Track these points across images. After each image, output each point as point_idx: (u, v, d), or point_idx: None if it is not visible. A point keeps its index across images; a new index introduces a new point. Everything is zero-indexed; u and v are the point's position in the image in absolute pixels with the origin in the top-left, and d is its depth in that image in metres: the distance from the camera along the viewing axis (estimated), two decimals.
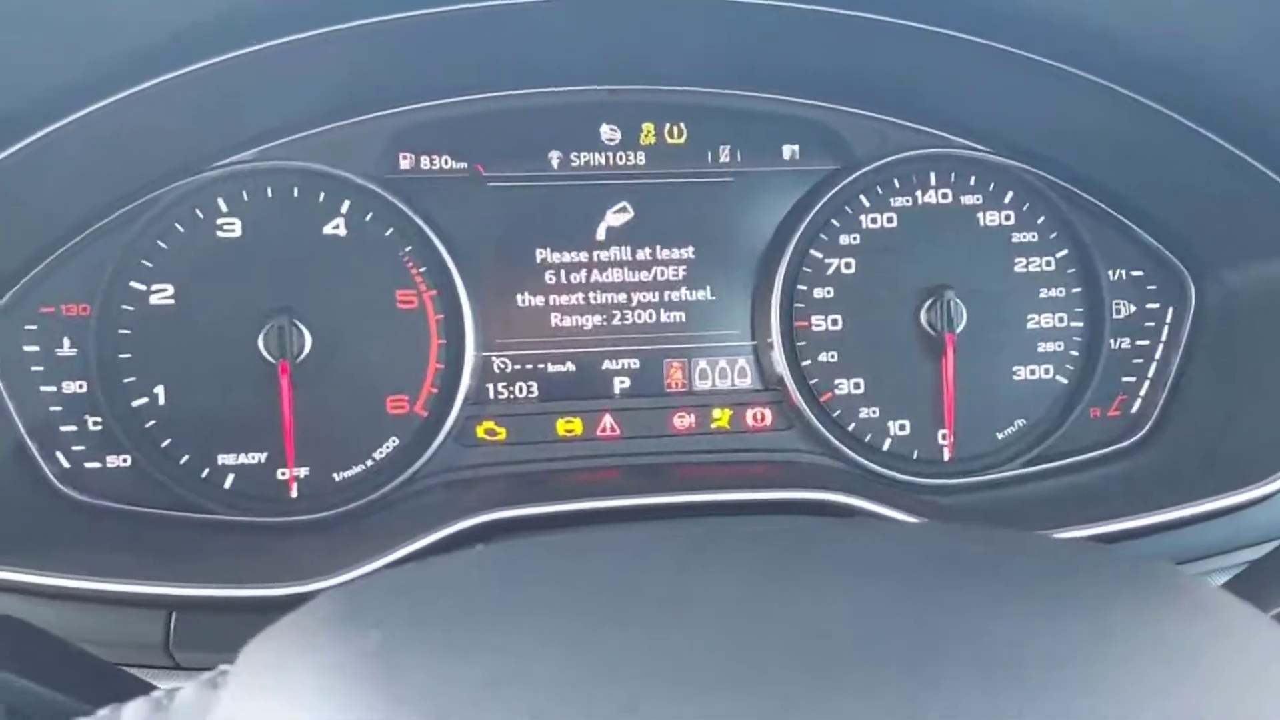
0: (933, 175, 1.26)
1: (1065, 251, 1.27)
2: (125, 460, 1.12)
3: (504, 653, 0.46)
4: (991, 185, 1.26)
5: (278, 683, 0.47)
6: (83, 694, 0.61)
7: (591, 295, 1.24)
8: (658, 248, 1.25)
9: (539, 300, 1.23)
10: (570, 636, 0.48)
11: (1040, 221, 1.27)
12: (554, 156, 1.24)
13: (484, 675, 0.44)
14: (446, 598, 0.52)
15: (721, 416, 1.25)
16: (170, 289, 1.13)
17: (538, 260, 1.23)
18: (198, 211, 1.14)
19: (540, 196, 1.23)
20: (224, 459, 1.14)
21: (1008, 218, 1.27)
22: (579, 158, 1.24)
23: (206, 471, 1.14)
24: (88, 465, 1.12)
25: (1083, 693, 0.46)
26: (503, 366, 1.22)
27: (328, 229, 1.17)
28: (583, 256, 1.24)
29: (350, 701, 0.44)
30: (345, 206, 1.17)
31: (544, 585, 0.53)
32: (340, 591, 0.54)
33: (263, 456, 1.15)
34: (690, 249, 1.25)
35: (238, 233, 1.15)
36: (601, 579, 0.55)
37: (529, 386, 1.23)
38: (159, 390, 1.13)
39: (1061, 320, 1.27)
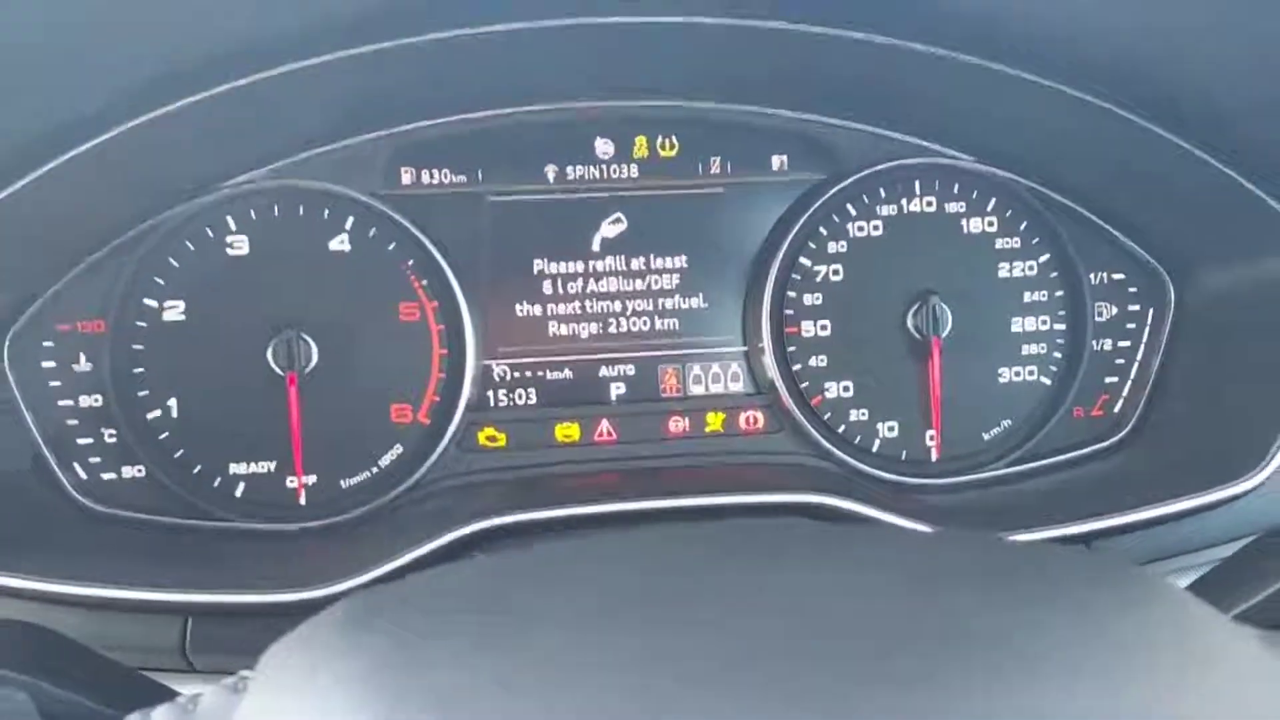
0: (917, 184, 1.30)
1: (1047, 256, 1.31)
2: (140, 471, 1.16)
3: (521, 657, 0.49)
4: (975, 193, 1.30)
5: (297, 687, 0.51)
6: (107, 699, 0.65)
7: (588, 304, 1.28)
8: (651, 257, 1.29)
9: (537, 310, 1.27)
10: (586, 640, 0.51)
11: (1023, 228, 1.30)
12: (550, 170, 1.28)
13: (501, 680, 0.48)
14: (463, 603, 0.56)
15: (715, 420, 1.29)
16: (182, 305, 1.17)
17: (535, 271, 1.27)
18: (208, 230, 1.18)
19: (537, 209, 1.27)
20: (235, 468, 1.19)
21: (991, 224, 1.30)
22: (574, 171, 1.28)
23: (218, 481, 1.18)
24: (104, 476, 1.16)
25: (1030, 694, 0.49)
26: (503, 375, 1.26)
27: (333, 245, 1.21)
28: (579, 266, 1.28)
29: (368, 705, 0.47)
30: (349, 223, 1.21)
31: (559, 590, 0.57)
32: (357, 597, 0.58)
33: (272, 465, 1.19)
34: (683, 258, 1.29)
35: (246, 250, 1.19)
36: (616, 583, 0.59)
37: (528, 393, 1.26)
38: (172, 403, 1.17)
39: (1044, 323, 1.30)
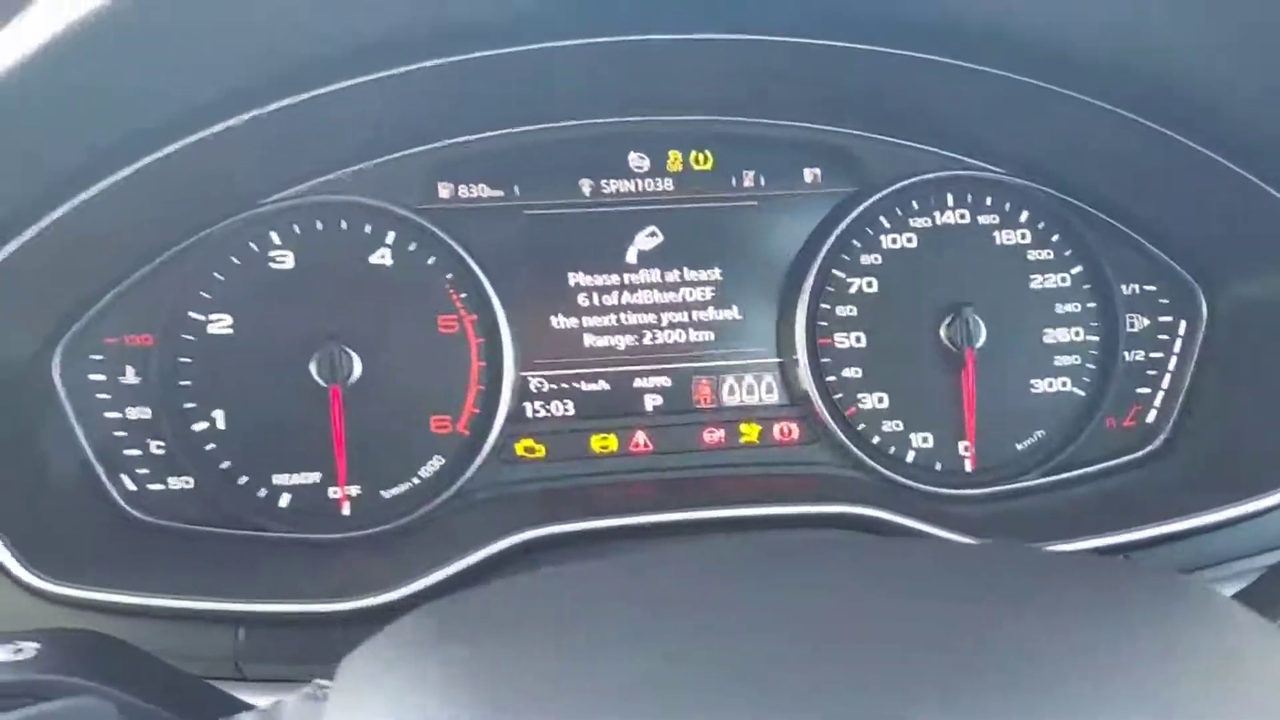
0: (950, 196, 1.31)
1: (1080, 268, 1.32)
2: (187, 482, 1.18)
3: (591, 668, 0.51)
4: (1007, 205, 1.31)
5: (378, 695, 0.53)
6: (184, 710, 0.67)
7: (623, 316, 1.30)
8: (686, 270, 1.30)
9: (573, 322, 1.29)
10: (651, 654, 0.53)
11: (1055, 239, 1.32)
12: (585, 184, 1.30)
13: (571, 690, 0.49)
14: (530, 616, 0.57)
15: (750, 431, 1.30)
16: (228, 319, 1.19)
17: (572, 284, 1.29)
18: (252, 245, 1.20)
19: (573, 223, 1.29)
20: (279, 479, 1.20)
21: (1024, 236, 1.31)
22: (609, 185, 1.30)
23: (263, 491, 1.20)
24: (152, 487, 1.18)
25: (1076, 703, 0.50)
26: (540, 386, 1.28)
27: (374, 259, 1.23)
28: (615, 279, 1.29)
29: (443, 715, 0.49)
30: (390, 237, 1.23)
31: (623, 604, 0.58)
32: (430, 609, 0.59)
33: (316, 476, 1.21)
34: (717, 270, 1.31)
35: (290, 264, 1.21)
36: (680, 596, 0.61)
37: (565, 405, 1.28)
38: (217, 415, 1.19)
39: (1078, 334, 1.31)
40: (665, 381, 1.30)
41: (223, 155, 1.06)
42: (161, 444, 1.18)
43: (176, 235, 1.17)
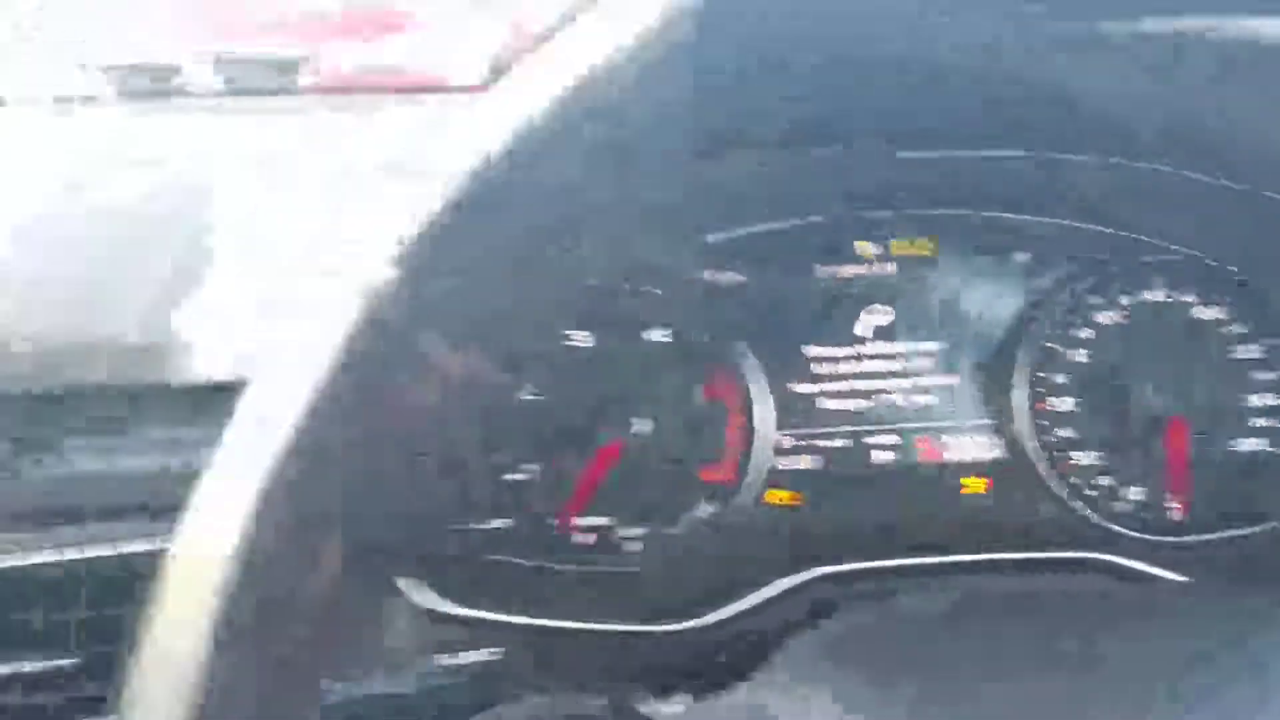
0: (1152, 277, 1.48)
1: (1273, 339, 1.47)
2: (509, 523, 1.42)
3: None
4: (1205, 284, 1.48)
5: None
6: None
7: (856, 383, 1.50)
8: (912, 342, 1.50)
9: (816, 388, 1.49)
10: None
11: (1248, 313, 1.47)
12: (821, 270, 1.51)
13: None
14: (868, 651, 0.78)
15: (974, 485, 1.48)
16: (538, 390, 1.44)
17: (815, 356, 1.49)
18: (557, 328, 1.45)
19: (814, 303, 1.50)
20: (579, 521, 1.43)
21: (1221, 311, 1.47)
22: (842, 270, 1.51)
23: (568, 533, 1.43)
24: (480, 527, 1.42)
25: None
26: (790, 444, 1.48)
27: (653, 336, 1.46)
28: (848, 351, 1.50)
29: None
30: (666, 317, 1.46)
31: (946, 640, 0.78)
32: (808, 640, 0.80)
33: (606, 519, 1.44)
34: (940, 342, 1.50)
35: (589, 342, 1.45)
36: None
37: (810, 459, 1.48)
38: (530, 468, 1.43)
39: (1274, 398, 1.46)
40: (896, 439, 1.49)
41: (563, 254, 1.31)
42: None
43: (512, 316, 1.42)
